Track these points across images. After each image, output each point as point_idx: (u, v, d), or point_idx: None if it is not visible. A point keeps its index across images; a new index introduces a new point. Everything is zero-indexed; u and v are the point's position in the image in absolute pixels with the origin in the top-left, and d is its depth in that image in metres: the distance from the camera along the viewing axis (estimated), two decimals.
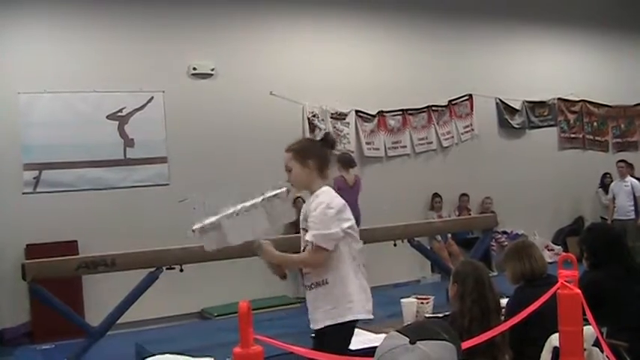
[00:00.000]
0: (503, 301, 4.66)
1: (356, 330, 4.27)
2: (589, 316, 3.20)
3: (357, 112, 11.57)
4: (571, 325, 3.04)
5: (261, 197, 3.95)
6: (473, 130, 12.72)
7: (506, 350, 3.67)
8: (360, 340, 4.59)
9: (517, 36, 13.27)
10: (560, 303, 3.04)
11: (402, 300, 5.08)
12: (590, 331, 3.35)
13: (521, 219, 12.65)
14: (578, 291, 3.05)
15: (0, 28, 9.41)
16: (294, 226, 10.46)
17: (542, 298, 3.16)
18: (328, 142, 4.06)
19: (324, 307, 3.97)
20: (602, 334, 3.59)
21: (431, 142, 12.31)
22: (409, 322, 4.68)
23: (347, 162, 8.95)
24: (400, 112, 11.97)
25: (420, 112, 12.20)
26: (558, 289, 3.07)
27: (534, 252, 4.50)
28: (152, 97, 10.10)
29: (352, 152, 11.37)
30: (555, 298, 3.10)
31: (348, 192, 8.75)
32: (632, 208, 11.92)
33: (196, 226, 3.81)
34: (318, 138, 4.07)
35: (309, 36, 11.36)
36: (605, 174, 13.29)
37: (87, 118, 9.72)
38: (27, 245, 9.09)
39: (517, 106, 13.28)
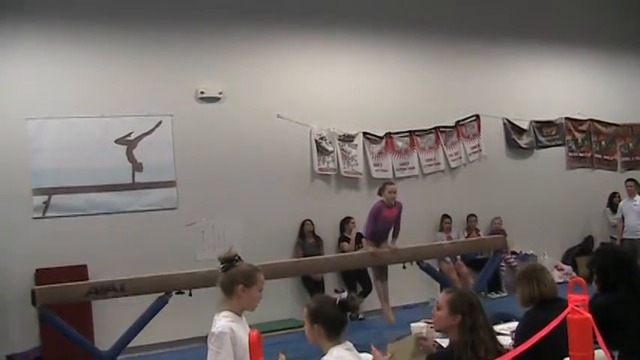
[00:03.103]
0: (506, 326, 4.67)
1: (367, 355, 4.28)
2: (599, 340, 3.18)
3: (364, 133, 11.58)
4: (582, 350, 3.02)
5: None
6: (480, 150, 12.71)
7: None
8: None
9: (523, 56, 13.29)
10: (570, 328, 3.03)
11: (412, 325, 5.05)
12: (601, 355, 3.33)
13: (530, 239, 12.63)
14: (589, 315, 3.03)
15: (7, 54, 9.48)
16: (301, 250, 10.55)
17: (553, 323, 3.15)
18: (345, 307, 3.94)
19: None
20: (613, 358, 3.57)
21: (439, 163, 12.31)
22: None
23: (381, 189, 9.38)
24: (408, 134, 11.98)
25: (428, 133, 12.20)
26: (568, 313, 3.06)
27: (545, 276, 4.48)
28: (160, 121, 10.14)
29: (360, 174, 11.43)
30: (565, 323, 3.09)
31: (386, 211, 9.19)
32: None
33: None
34: (338, 300, 3.93)
35: (316, 59, 11.41)
36: (614, 193, 13.25)
37: (95, 142, 9.77)
38: (37, 270, 9.11)
39: (524, 126, 13.28)
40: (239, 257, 4.18)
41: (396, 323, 9.22)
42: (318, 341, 3.83)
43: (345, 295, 3.90)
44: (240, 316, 4.08)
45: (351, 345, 3.82)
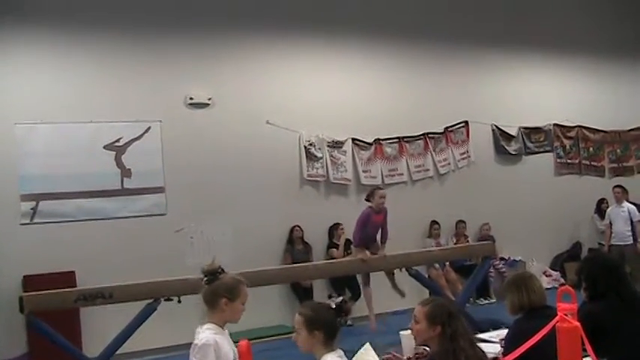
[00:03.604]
0: (495, 333, 4.66)
1: None
2: (588, 348, 3.20)
3: (353, 140, 11.60)
4: (571, 357, 3.04)
5: None
6: (469, 156, 12.74)
7: None
8: None
9: (512, 63, 13.33)
10: (559, 336, 3.05)
11: (401, 333, 5.04)
12: None
13: (518, 245, 12.66)
14: (577, 324, 3.05)
15: None
16: (290, 257, 10.53)
17: (542, 331, 3.16)
18: (341, 311, 3.95)
19: None
20: None
21: (428, 170, 12.33)
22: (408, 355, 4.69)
23: (370, 194, 9.36)
24: (396, 140, 12.00)
25: (417, 140, 12.22)
26: (557, 322, 3.07)
27: (533, 284, 4.49)
28: (149, 127, 10.12)
29: (349, 180, 11.44)
30: (554, 331, 3.10)
31: (375, 217, 9.11)
32: (630, 233, 11.87)
33: None
34: (333, 305, 3.93)
35: (305, 65, 11.42)
36: (602, 200, 13.31)
37: (84, 148, 9.74)
38: (24, 276, 9.06)
39: (513, 132, 13.32)
40: (222, 269, 4.10)
41: (385, 330, 9.21)
42: (313, 348, 3.81)
43: (339, 299, 3.91)
44: (223, 328, 4.03)
45: (342, 352, 3.82)
